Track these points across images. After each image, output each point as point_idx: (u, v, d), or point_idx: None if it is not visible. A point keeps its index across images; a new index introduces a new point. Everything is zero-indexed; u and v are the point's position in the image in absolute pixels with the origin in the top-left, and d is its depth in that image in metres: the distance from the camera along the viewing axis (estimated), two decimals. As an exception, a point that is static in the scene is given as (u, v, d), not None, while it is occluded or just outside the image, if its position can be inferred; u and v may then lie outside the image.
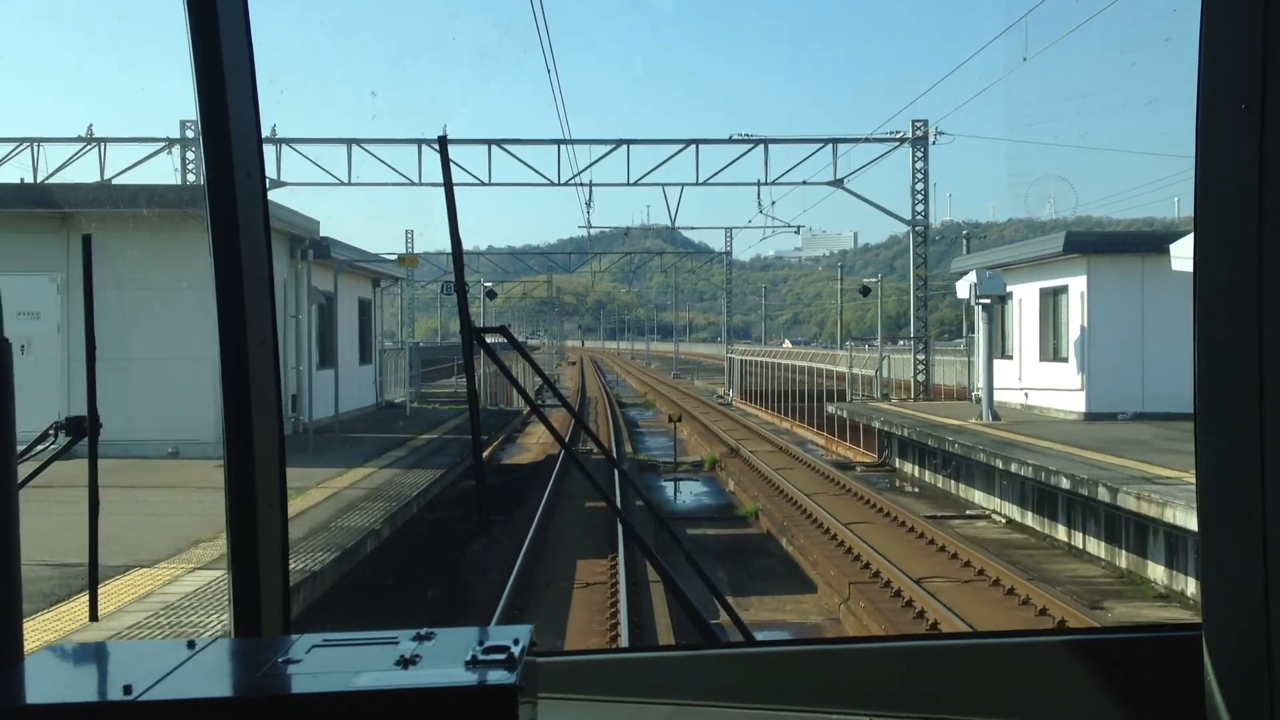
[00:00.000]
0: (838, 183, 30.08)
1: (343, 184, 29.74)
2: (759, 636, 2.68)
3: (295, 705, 1.31)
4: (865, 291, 33.23)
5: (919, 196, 30.15)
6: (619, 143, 30.03)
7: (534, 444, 33.90)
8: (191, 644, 1.48)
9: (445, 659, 1.39)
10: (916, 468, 26.05)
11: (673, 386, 66.04)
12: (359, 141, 29.85)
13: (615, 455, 21.32)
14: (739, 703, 2.03)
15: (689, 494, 25.71)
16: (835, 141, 29.98)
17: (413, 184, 30.06)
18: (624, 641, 11.19)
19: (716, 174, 30.35)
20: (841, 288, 75.08)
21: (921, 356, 30.34)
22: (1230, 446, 1.59)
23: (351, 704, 1.30)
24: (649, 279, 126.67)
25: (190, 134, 29.91)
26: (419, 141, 29.99)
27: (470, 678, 1.33)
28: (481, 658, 1.37)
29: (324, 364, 23.70)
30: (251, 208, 1.87)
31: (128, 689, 1.30)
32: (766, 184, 30.28)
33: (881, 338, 30.41)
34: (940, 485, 24.29)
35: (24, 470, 1.68)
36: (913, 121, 29.92)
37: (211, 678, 1.45)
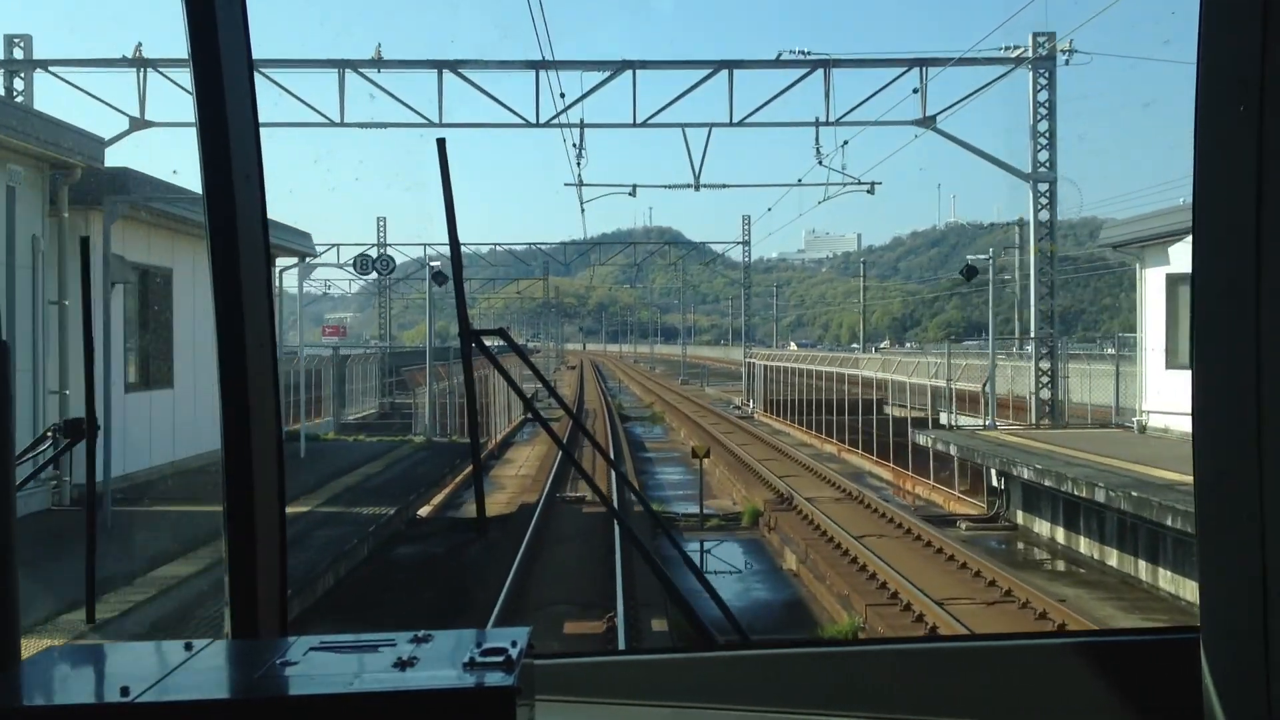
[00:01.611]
0: (927, 121, 20.68)
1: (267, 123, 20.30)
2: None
3: (293, 707, 1.29)
4: (971, 274, 23.92)
5: (1042, 140, 20.75)
6: (621, 66, 20.63)
7: (510, 479, 24.57)
8: (189, 645, 1.44)
9: (443, 661, 1.35)
10: (1060, 530, 16.75)
11: (682, 395, 56.60)
12: (260, 64, 20.44)
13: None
14: (737, 705, 1.98)
15: (729, 574, 16.38)
16: (923, 63, 20.58)
17: (333, 124, 20.67)
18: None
19: (758, 110, 20.93)
20: (864, 285, 65.95)
21: (1046, 365, 20.80)
22: (1228, 449, 1.53)
23: (349, 706, 1.27)
24: (652, 279, 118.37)
25: (19, 52, 20.60)
26: (342, 64, 20.63)
27: (468, 680, 1.29)
28: (479, 660, 1.33)
29: (149, 382, 14.33)
30: (250, 210, 1.84)
31: (125, 691, 1.26)
32: (828, 123, 20.84)
33: (993, 339, 20.88)
34: (1114, 563, 15.10)
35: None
36: (1034, 36, 20.53)
37: (209, 680, 1.41)
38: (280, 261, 19.23)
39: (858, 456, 29.17)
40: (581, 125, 21.56)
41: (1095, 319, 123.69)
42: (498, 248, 53.70)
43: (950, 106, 20.37)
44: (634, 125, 20.94)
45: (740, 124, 20.80)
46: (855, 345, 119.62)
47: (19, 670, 1.38)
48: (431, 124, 20.85)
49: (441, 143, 1.99)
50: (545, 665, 1.89)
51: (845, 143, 20.76)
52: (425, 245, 42.67)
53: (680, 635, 11.17)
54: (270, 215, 1.93)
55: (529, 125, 20.85)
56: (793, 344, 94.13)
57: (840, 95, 20.65)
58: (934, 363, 31.59)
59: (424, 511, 19.73)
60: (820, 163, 21.38)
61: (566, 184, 24.58)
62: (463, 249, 2.08)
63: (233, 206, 1.78)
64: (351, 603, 11.42)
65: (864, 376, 34.28)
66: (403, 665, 1.32)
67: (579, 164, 22.35)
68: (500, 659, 1.31)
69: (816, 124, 20.82)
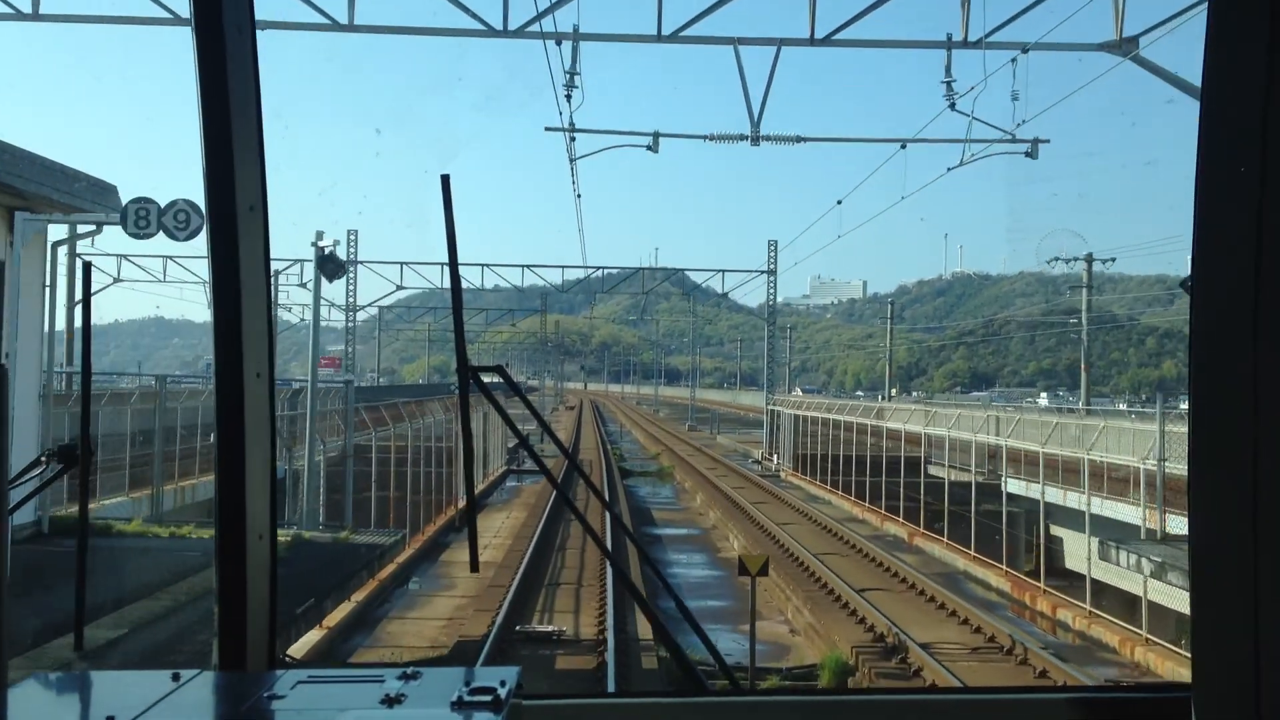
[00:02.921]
0: (1125, 44, 12.64)
1: (24, 15, 12.46)
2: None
3: None
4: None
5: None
6: (641, -56, 12.62)
7: (464, 578, 16.52)
8: (176, 676, 1.39)
9: (431, 699, 1.29)
10: None
11: (691, 445, 48.33)
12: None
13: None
14: None
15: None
16: (1119, -44, 12.57)
17: (179, 20, 12.68)
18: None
19: (853, 21, 12.92)
20: (891, 328, 57.94)
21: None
22: (1223, 521, 1.47)
23: None
24: (656, 319, 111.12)
25: None
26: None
27: (455, 719, 1.23)
28: (467, 699, 1.27)
29: None
30: (252, 240, 1.77)
31: None
32: (968, 44, 12.82)
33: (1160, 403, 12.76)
34: None
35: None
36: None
37: (195, 711, 1.35)
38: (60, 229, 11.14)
39: (941, 546, 20.95)
40: (575, 37, 13.56)
41: (1104, 373, 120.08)
42: (488, 268, 45.11)
43: (1164, 22, 12.31)
44: (658, 39, 12.95)
45: (825, 41, 12.82)
46: (860, 392, 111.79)
47: (5, 697, 1.27)
48: (338, 26, 12.83)
49: (446, 179, 1.93)
50: (534, 706, 1.76)
51: (1018, 56, 12.64)
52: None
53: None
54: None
55: (493, 33, 12.85)
56: (798, 389, 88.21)
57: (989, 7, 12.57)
58: (986, 416, 23.82)
59: (296, 650, 11.64)
60: (952, 106, 13.44)
61: (549, 129, 16.52)
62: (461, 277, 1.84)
63: (235, 237, 1.72)
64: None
65: (921, 433, 26.47)
66: (390, 702, 1.26)
67: (569, 97, 14.37)
68: (489, 698, 1.26)
69: (949, 44, 12.88)
